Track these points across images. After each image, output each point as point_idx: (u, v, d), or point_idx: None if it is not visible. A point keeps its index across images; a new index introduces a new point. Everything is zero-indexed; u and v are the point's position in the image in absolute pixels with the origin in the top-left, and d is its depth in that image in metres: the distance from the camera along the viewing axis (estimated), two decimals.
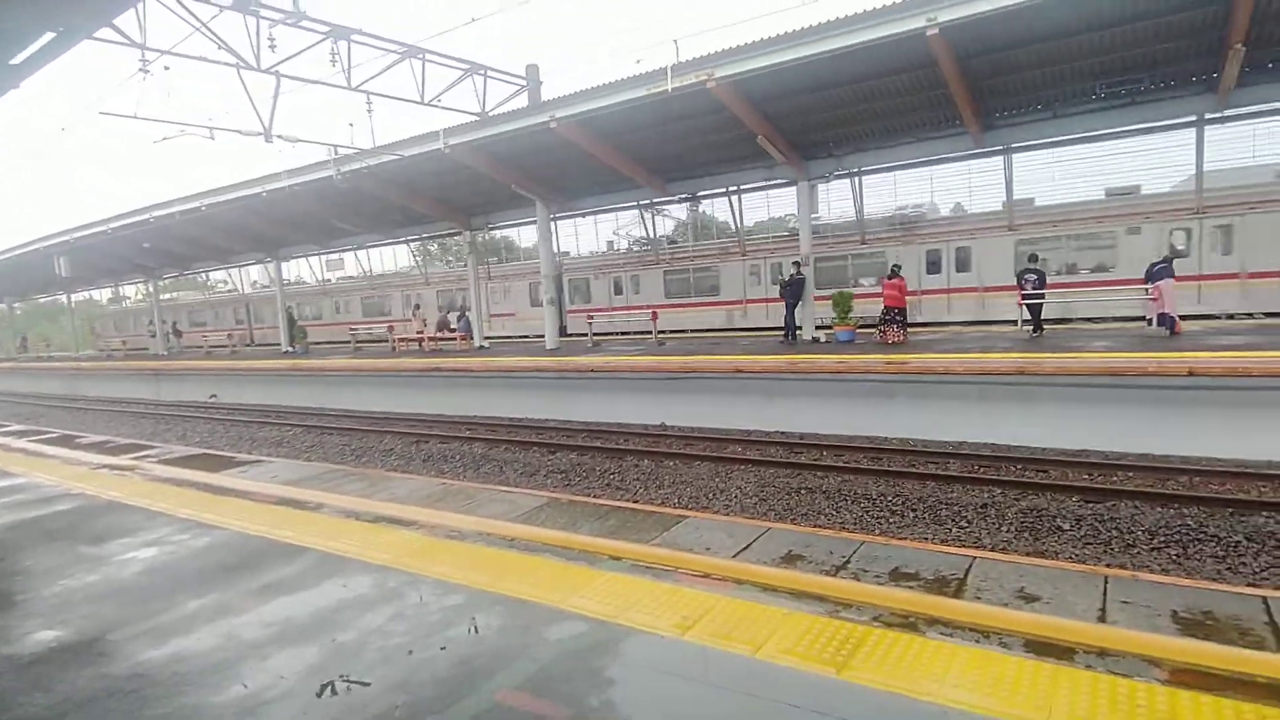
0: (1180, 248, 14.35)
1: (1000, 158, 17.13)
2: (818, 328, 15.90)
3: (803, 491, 8.34)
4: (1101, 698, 2.47)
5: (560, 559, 4.15)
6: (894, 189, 21.25)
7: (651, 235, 26.59)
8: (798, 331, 15.73)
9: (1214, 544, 6.15)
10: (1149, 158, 17.39)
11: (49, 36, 6.68)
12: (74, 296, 42.96)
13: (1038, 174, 18.52)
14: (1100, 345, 11.25)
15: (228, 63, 11.33)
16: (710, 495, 8.58)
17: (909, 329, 14.60)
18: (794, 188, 15.60)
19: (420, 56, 13.41)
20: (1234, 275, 15.78)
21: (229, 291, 41.42)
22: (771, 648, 2.95)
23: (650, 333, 18.64)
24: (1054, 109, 12.77)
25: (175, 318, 38.00)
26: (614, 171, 16.04)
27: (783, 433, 11.34)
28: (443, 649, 3.11)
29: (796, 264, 15.51)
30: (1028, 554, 6.16)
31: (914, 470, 8.73)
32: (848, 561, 4.40)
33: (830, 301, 15.79)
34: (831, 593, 3.49)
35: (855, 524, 7.32)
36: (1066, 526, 6.77)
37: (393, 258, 37.03)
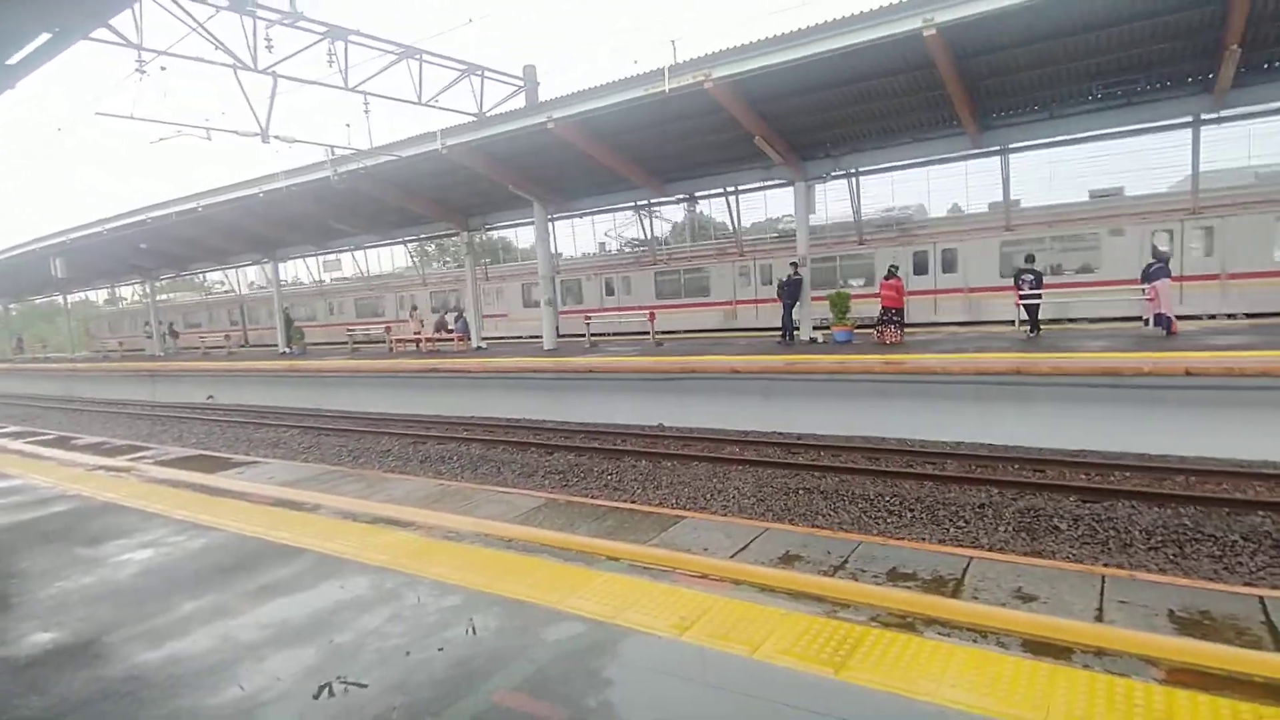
0: (1163, 249, 14.51)
1: (996, 159, 17.19)
2: (815, 328, 15.91)
3: (800, 492, 8.34)
4: (1099, 697, 2.47)
5: (558, 560, 4.15)
6: (890, 190, 21.37)
7: (647, 236, 26.64)
8: (795, 332, 15.74)
9: (1211, 543, 6.16)
10: (1143, 159, 17.54)
11: (45, 37, 6.67)
12: (70, 297, 42.86)
13: (1034, 175, 18.65)
14: (1097, 345, 11.26)
15: (225, 63, 11.32)
16: (708, 496, 8.58)
17: (905, 329, 14.63)
18: (790, 188, 15.62)
19: (418, 57, 13.40)
20: (1215, 276, 15.95)
21: (226, 292, 41.37)
22: (769, 648, 2.95)
23: (648, 333, 18.65)
24: (1051, 109, 12.80)
25: (172, 319, 37.92)
26: (611, 172, 16.04)
27: (780, 433, 11.33)
28: (440, 650, 3.10)
29: (794, 264, 15.52)
30: (1025, 554, 6.17)
31: (911, 470, 8.74)
32: (845, 562, 4.41)
33: (827, 302, 15.82)
34: (829, 593, 3.49)
35: (853, 524, 7.32)
36: (1064, 526, 6.78)
37: (390, 259, 37.07)
